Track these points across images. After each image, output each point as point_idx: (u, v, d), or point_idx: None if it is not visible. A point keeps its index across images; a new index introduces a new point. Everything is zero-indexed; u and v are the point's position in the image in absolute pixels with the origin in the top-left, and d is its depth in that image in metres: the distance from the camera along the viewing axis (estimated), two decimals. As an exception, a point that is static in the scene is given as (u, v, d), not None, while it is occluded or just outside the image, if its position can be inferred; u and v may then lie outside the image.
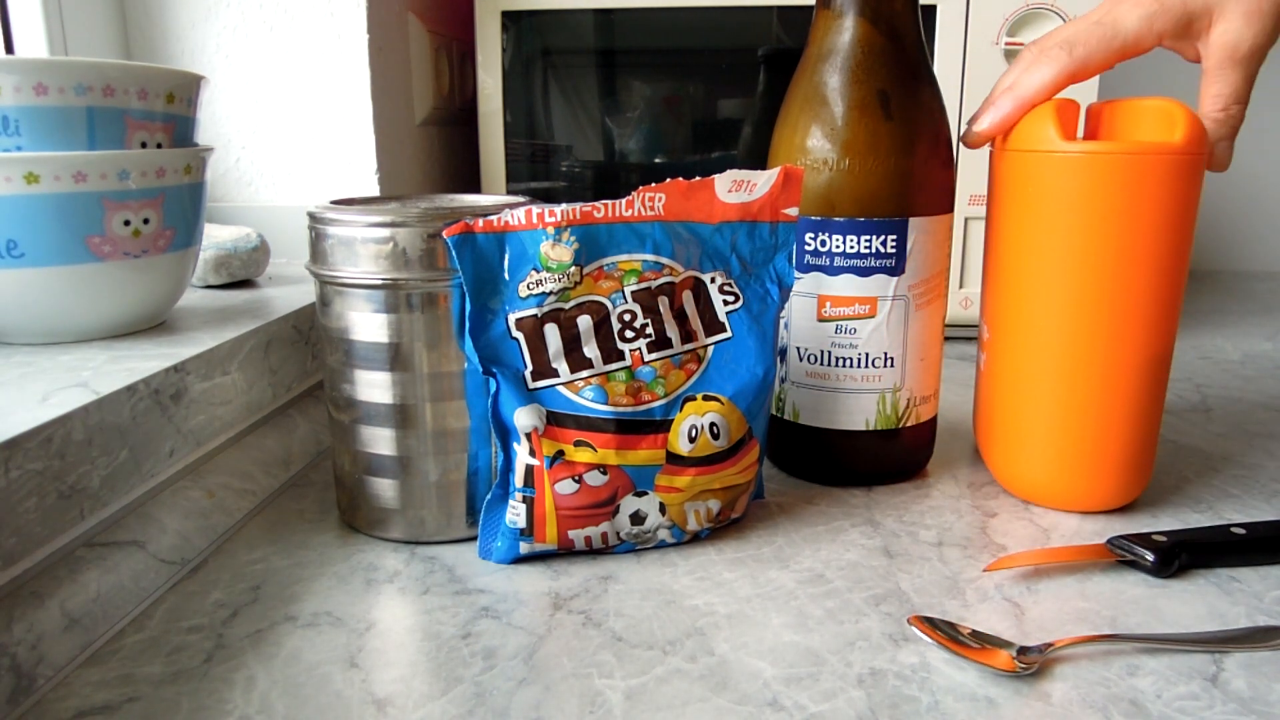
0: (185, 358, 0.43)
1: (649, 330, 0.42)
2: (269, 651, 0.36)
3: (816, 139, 0.48)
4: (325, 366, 0.45)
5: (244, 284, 0.63)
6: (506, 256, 0.41)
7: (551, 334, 0.41)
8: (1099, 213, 0.43)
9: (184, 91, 0.48)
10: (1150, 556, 0.41)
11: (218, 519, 0.45)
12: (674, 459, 0.42)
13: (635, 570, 0.42)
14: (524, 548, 0.42)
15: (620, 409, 0.41)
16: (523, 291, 0.41)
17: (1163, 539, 0.42)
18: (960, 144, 0.49)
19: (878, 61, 0.47)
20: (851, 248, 0.48)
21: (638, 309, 0.42)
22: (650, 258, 0.43)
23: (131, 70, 0.44)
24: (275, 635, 0.37)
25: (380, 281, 0.41)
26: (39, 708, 0.33)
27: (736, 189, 0.44)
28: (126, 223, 0.45)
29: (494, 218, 0.41)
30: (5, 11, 0.64)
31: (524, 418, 0.41)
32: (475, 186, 0.91)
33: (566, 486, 0.41)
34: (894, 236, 0.47)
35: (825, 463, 0.52)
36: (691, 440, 0.42)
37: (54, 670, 0.34)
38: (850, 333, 0.49)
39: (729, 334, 0.44)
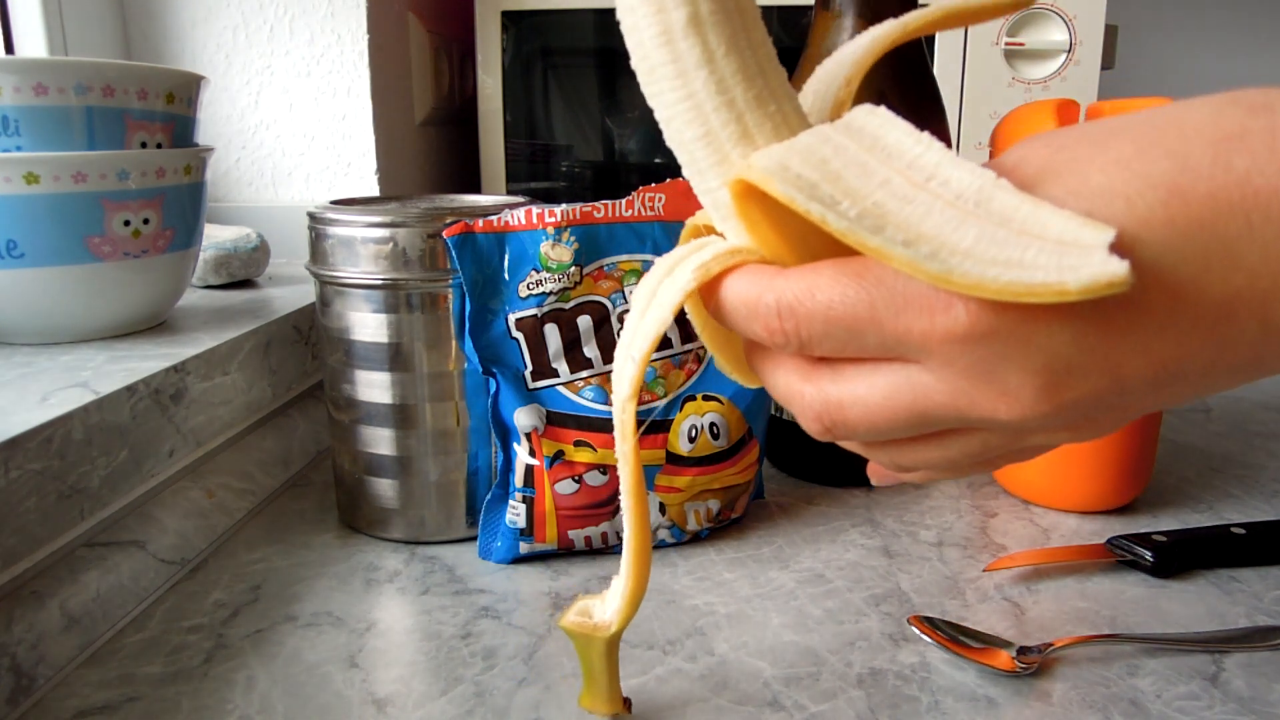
0: (185, 358, 0.43)
1: (649, 330, 0.42)
2: (269, 651, 0.36)
3: (816, 139, 0.48)
4: (325, 366, 0.45)
5: (244, 284, 0.63)
6: (506, 257, 0.41)
7: (551, 334, 0.41)
8: (1099, 213, 0.43)
9: (184, 91, 0.48)
10: (1150, 556, 0.41)
11: (218, 519, 0.45)
12: (674, 459, 0.42)
13: (635, 570, 0.42)
14: (524, 548, 0.42)
15: (620, 409, 0.41)
16: (523, 291, 0.41)
17: (1163, 539, 0.42)
18: None
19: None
20: (851, 248, 0.48)
21: (638, 309, 0.42)
22: (650, 258, 0.43)
23: (131, 70, 0.44)
24: (275, 635, 0.37)
25: (380, 281, 0.41)
26: (39, 708, 0.33)
27: (736, 189, 0.44)
28: (126, 223, 0.45)
29: (494, 218, 0.41)
30: (5, 11, 0.64)
31: (524, 418, 0.41)
32: (475, 186, 0.91)
33: (566, 486, 0.41)
34: (894, 236, 0.47)
35: (825, 463, 0.52)
36: (691, 440, 0.42)
37: (54, 670, 0.34)
38: (850, 333, 0.49)
39: (729, 334, 0.44)
